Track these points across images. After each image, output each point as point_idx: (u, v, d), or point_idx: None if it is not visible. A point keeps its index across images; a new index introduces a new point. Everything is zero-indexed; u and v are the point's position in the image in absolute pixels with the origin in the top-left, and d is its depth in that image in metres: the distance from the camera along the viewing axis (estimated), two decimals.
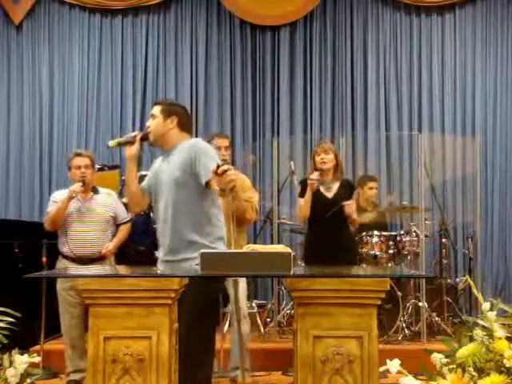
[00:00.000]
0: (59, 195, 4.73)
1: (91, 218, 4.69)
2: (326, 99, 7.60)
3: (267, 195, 6.58)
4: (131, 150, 3.51)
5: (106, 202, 4.78)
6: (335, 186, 4.98)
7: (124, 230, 4.88)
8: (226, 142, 4.76)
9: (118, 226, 4.86)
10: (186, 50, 7.66)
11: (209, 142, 4.83)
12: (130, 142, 3.52)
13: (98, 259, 4.66)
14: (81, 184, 4.60)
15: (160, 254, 3.58)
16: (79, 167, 4.67)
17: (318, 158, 4.95)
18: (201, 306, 3.21)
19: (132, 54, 7.67)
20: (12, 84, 7.67)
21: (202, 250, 2.86)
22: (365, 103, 7.58)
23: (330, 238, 4.85)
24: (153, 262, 5.45)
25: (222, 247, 3.46)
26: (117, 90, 7.63)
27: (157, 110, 3.53)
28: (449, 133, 7.46)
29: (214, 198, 3.46)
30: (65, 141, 7.58)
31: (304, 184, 4.98)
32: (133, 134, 3.59)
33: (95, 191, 4.78)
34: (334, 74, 7.63)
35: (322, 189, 4.95)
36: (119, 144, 3.57)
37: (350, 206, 4.88)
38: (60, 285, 4.57)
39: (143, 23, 7.70)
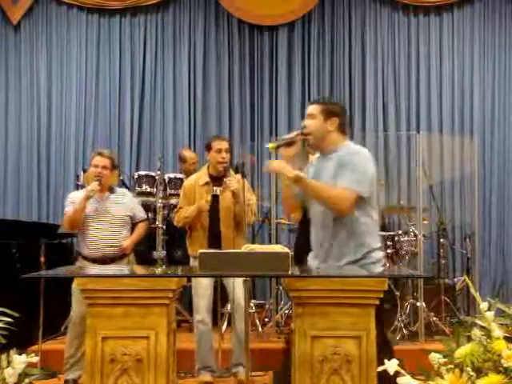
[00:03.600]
0: (75, 196, 4.77)
1: (108, 217, 4.72)
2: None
3: (265, 195, 6.58)
4: (289, 151, 3.35)
5: (123, 201, 4.82)
6: None
7: (141, 228, 4.93)
8: (225, 145, 4.79)
9: (134, 224, 4.90)
10: (184, 50, 7.65)
11: (208, 144, 4.86)
12: (289, 143, 3.37)
13: (118, 258, 4.69)
14: (97, 183, 4.62)
15: (311, 260, 3.45)
16: (97, 166, 4.71)
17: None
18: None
19: (130, 54, 7.66)
20: (10, 84, 7.66)
21: (201, 250, 2.87)
22: (363, 103, 7.59)
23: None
24: (151, 261, 5.47)
25: (379, 266, 3.33)
26: (115, 91, 7.62)
27: (316, 109, 3.36)
28: (447, 133, 7.46)
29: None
30: (63, 141, 7.57)
31: None
32: (292, 134, 3.41)
33: (112, 191, 4.81)
34: (332, 74, 7.64)
35: None
36: (278, 146, 3.40)
37: None
38: (74, 284, 4.59)
39: (141, 23, 7.69)
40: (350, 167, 3.22)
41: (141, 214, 4.97)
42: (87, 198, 4.62)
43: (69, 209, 4.69)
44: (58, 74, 7.64)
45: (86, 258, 4.70)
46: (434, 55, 7.57)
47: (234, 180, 4.63)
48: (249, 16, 7.58)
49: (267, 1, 7.59)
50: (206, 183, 4.76)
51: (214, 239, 4.64)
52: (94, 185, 4.63)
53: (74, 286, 4.56)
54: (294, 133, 3.42)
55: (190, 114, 7.60)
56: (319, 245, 3.37)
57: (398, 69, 7.61)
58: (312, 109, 3.39)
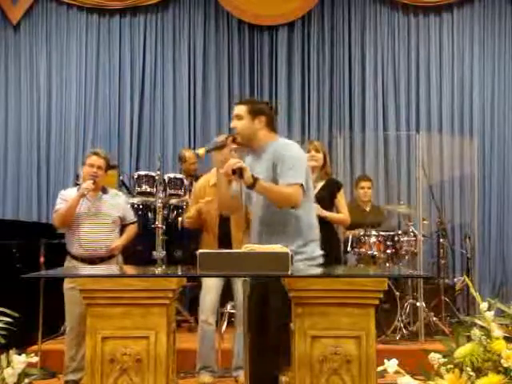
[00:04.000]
0: (67, 193, 4.75)
1: (99, 218, 4.71)
2: (323, 99, 7.60)
3: None
4: (223, 155, 3.38)
5: (114, 202, 4.81)
6: (319, 185, 5.02)
7: (131, 230, 4.92)
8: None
9: (124, 226, 4.89)
10: (184, 50, 7.65)
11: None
12: (220, 147, 3.40)
13: (107, 258, 4.68)
14: (92, 182, 4.63)
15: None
16: (92, 166, 4.71)
17: (307, 155, 4.98)
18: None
19: (130, 54, 7.66)
20: (10, 84, 7.66)
21: (201, 250, 2.87)
22: (362, 103, 7.59)
23: None
24: (150, 262, 5.46)
25: (316, 250, 3.43)
26: (115, 90, 7.63)
27: (243, 110, 3.40)
28: (447, 133, 7.47)
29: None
30: (63, 141, 7.58)
31: None
32: (220, 137, 3.42)
33: (104, 191, 4.81)
34: (332, 74, 7.64)
35: None
36: (208, 151, 3.41)
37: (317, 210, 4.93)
38: (65, 284, 4.58)
39: (141, 23, 7.69)
40: (286, 163, 3.29)
41: (131, 216, 4.95)
42: (81, 196, 4.60)
43: (60, 206, 4.67)
44: (57, 74, 7.64)
45: (74, 257, 4.66)
46: (433, 55, 7.57)
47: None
48: (248, 16, 7.58)
49: (267, 1, 7.59)
50: (215, 184, 4.74)
51: (224, 241, 4.61)
52: (89, 183, 4.62)
53: (66, 286, 4.57)
54: (224, 136, 3.45)
55: (189, 113, 7.60)
56: (258, 240, 3.36)
57: (398, 69, 7.61)
58: (238, 110, 3.43)
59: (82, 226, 4.66)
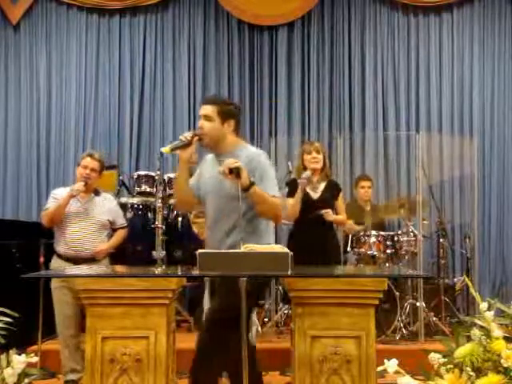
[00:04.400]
0: (59, 193, 4.75)
1: (88, 219, 4.70)
2: (323, 99, 7.60)
3: None
4: (186, 153, 3.34)
5: (105, 205, 4.80)
6: (321, 187, 5.03)
7: (119, 235, 4.90)
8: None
9: (114, 230, 4.88)
10: (184, 50, 7.65)
11: None
12: (185, 145, 3.34)
13: (90, 260, 4.65)
14: (83, 184, 4.63)
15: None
16: (86, 167, 4.71)
17: (308, 157, 4.99)
18: None
19: (130, 54, 7.66)
20: (10, 84, 7.65)
21: (200, 250, 2.87)
22: (362, 103, 7.59)
23: (311, 238, 4.90)
24: (150, 261, 5.46)
25: None
26: (114, 90, 7.62)
27: (213, 111, 3.32)
28: (446, 133, 7.46)
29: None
30: (62, 141, 7.57)
31: (293, 185, 5.01)
32: (186, 135, 3.36)
33: (96, 193, 4.80)
34: (332, 73, 7.63)
35: (308, 189, 4.99)
36: (173, 149, 3.36)
37: (327, 215, 4.96)
38: (53, 283, 4.58)
39: (141, 23, 7.69)
40: (268, 175, 3.29)
41: (122, 220, 4.95)
42: (71, 196, 4.60)
43: (51, 205, 4.68)
44: (57, 74, 7.63)
45: (60, 256, 4.66)
46: (433, 55, 7.57)
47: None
48: (248, 16, 7.57)
49: (267, 1, 7.58)
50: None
51: None
52: (80, 185, 4.63)
53: (54, 285, 4.56)
54: (189, 134, 3.37)
55: (189, 113, 7.60)
56: (217, 242, 3.33)
57: (398, 69, 7.61)
58: (207, 110, 3.35)
59: (70, 225, 4.66)
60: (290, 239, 5.24)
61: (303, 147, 5.23)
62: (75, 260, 4.60)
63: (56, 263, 4.67)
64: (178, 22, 7.71)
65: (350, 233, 5.79)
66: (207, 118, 3.34)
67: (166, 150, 3.36)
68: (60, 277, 4.36)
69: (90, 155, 4.80)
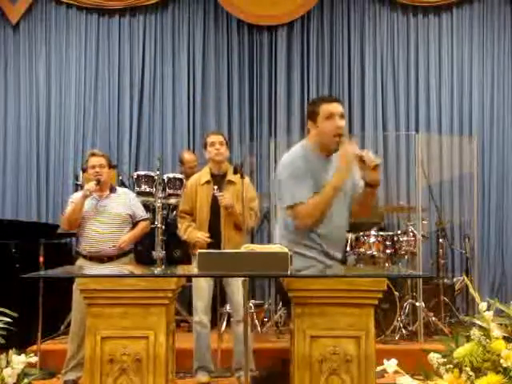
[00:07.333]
0: (76, 196, 4.83)
1: (108, 216, 4.74)
2: None
3: (264, 195, 6.58)
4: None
5: (123, 200, 4.83)
6: None
7: (141, 227, 4.91)
8: (220, 138, 4.79)
9: (135, 224, 4.90)
10: (184, 50, 7.64)
11: (204, 141, 4.88)
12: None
13: (117, 257, 4.69)
14: (95, 183, 4.66)
15: None
16: (94, 167, 4.75)
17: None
18: None
19: (129, 54, 7.65)
20: (9, 84, 7.65)
21: (200, 250, 2.87)
22: (362, 103, 7.58)
23: None
24: (150, 262, 5.47)
25: None
26: (114, 90, 7.61)
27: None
28: (446, 133, 7.46)
29: None
30: (62, 141, 7.56)
31: None
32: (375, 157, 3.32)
33: (112, 190, 4.83)
34: (331, 73, 7.63)
35: None
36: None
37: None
38: (75, 284, 4.60)
39: (140, 23, 7.68)
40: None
41: (142, 213, 4.97)
42: (84, 197, 4.66)
43: (68, 209, 4.71)
44: (56, 74, 7.63)
45: (84, 256, 4.71)
46: (432, 55, 7.57)
47: (225, 195, 4.61)
48: (248, 16, 7.57)
49: (267, 1, 7.58)
50: (207, 182, 4.74)
51: (214, 239, 4.63)
52: (91, 184, 4.68)
53: (75, 286, 4.57)
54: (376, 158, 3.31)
55: (189, 114, 7.59)
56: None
57: (397, 69, 7.60)
58: (342, 109, 3.42)
59: (90, 225, 4.70)
60: None
61: None
62: (100, 258, 4.65)
63: (80, 263, 4.71)
64: (178, 21, 7.70)
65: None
66: (344, 116, 3.41)
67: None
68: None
69: (93, 154, 4.86)
